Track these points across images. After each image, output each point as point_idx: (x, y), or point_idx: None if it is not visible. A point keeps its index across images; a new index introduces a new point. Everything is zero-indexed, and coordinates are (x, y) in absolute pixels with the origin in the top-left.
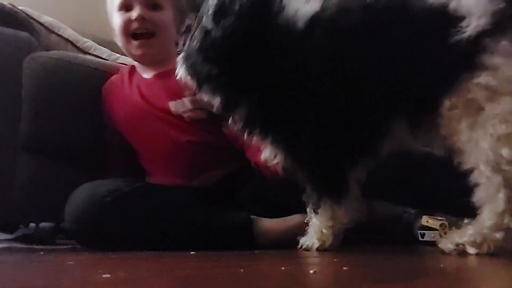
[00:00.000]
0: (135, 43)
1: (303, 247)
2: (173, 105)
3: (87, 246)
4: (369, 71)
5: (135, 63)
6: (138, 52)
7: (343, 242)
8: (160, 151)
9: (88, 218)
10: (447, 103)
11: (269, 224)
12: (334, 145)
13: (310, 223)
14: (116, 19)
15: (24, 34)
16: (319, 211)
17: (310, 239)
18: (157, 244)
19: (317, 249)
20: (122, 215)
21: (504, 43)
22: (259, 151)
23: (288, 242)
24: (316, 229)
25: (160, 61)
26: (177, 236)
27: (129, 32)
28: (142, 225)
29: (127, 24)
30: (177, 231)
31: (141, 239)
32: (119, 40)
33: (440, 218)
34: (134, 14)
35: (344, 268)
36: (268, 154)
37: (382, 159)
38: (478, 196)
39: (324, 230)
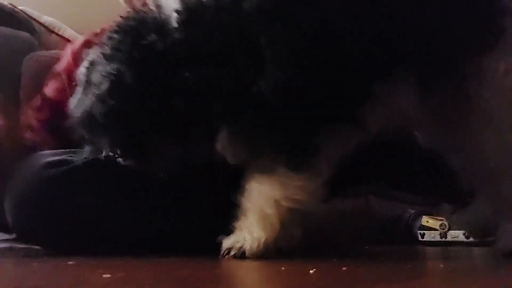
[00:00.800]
0: None
1: (231, 253)
2: None
3: (45, 248)
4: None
5: None
6: None
7: (342, 243)
8: None
9: (25, 204)
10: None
11: None
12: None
13: (251, 209)
14: None
15: (24, 34)
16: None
17: (242, 236)
18: (125, 246)
19: (254, 249)
20: (72, 198)
21: None
22: None
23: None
24: (258, 212)
25: None
26: (157, 235)
27: None
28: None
29: None
30: (159, 228)
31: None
32: None
33: (440, 218)
34: None
35: (343, 268)
36: None
37: (368, 135)
38: None
39: (268, 211)
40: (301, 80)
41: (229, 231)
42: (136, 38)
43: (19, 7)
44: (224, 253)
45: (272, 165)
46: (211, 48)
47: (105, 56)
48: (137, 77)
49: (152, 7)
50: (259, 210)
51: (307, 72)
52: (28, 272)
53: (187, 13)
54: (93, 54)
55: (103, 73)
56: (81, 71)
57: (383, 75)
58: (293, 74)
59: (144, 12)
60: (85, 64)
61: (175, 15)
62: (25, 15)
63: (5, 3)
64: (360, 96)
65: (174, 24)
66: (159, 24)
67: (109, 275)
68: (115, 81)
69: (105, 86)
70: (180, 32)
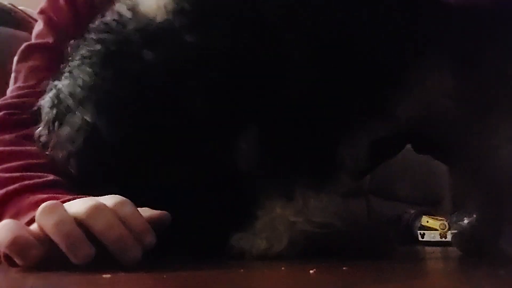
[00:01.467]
0: None
1: (233, 252)
2: None
3: None
4: None
5: None
6: None
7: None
8: None
9: None
10: None
11: None
12: (322, 97)
13: (259, 216)
14: None
15: (24, 34)
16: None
17: (250, 239)
18: None
19: (259, 255)
20: None
21: None
22: None
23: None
24: (267, 221)
25: None
26: None
27: None
28: None
29: None
30: None
31: None
32: None
33: (440, 218)
34: None
35: (344, 268)
36: None
37: (397, 126)
38: None
39: (279, 227)
40: (329, 78)
41: (240, 229)
42: (119, 68)
43: (19, 7)
44: (227, 249)
45: (288, 182)
46: (230, 49)
47: (74, 96)
48: (120, 128)
49: (127, 15)
50: (270, 221)
51: (335, 68)
52: (27, 272)
53: (197, 14)
54: (58, 82)
55: (74, 124)
56: (45, 104)
57: (414, 60)
58: (320, 73)
59: (119, 25)
60: (49, 95)
61: (170, 18)
62: (25, 15)
63: (5, 3)
64: (390, 85)
65: (179, 30)
66: (148, 38)
67: (109, 275)
68: (91, 137)
69: (79, 141)
70: (189, 37)
